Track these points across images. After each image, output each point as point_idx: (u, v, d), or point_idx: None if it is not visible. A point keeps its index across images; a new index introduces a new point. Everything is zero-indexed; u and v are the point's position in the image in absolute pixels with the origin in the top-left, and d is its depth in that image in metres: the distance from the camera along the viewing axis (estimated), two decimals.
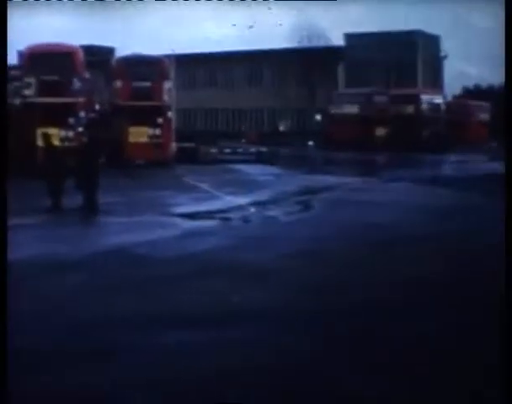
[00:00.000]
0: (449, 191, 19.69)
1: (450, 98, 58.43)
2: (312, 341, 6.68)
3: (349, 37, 62.43)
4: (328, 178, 24.03)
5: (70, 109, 25.86)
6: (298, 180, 23.55)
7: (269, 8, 58.25)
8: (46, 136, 17.57)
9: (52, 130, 21.71)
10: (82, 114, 26.46)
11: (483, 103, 55.68)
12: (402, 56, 58.94)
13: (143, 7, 78.87)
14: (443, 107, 48.31)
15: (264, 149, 36.63)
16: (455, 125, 48.48)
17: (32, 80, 25.97)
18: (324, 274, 9.48)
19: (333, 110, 47.56)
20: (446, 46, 63.60)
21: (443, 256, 10.55)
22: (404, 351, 6.38)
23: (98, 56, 30.33)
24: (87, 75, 27.43)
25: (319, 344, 6.59)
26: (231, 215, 15.22)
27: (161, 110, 29.47)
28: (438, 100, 48.74)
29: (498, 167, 28.91)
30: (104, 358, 6.14)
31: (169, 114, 30.11)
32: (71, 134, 25.28)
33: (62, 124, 25.17)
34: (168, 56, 33.88)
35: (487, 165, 30.85)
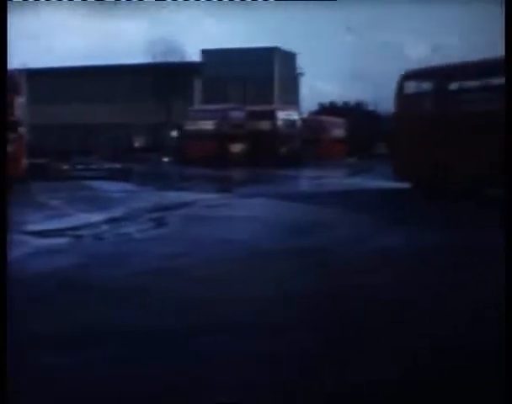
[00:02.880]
0: (305, 206, 19.56)
1: (306, 115, 59.15)
2: (170, 361, 6.21)
3: (205, 53, 62.31)
4: (184, 194, 23.57)
5: None
6: (153, 196, 22.93)
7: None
8: None
9: None
10: None
11: (339, 120, 56.64)
12: (259, 73, 59.30)
13: None
14: (299, 123, 48.70)
15: (118, 165, 35.72)
16: (311, 142, 49.10)
17: None
18: (179, 291, 8.97)
19: (189, 126, 47.19)
20: (302, 63, 64.59)
21: (300, 270, 10.15)
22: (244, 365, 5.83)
23: None
24: None
25: (177, 363, 6.15)
26: (83, 232, 14.46)
27: (12, 126, 28.09)
28: (294, 117, 49.11)
29: (354, 182, 29.48)
30: None
31: (21, 129, 28.79)
32: None
33: None
34: (20, 71, 32.51)
35: (343, 180, 31.26)
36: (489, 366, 5.82)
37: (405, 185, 24.29)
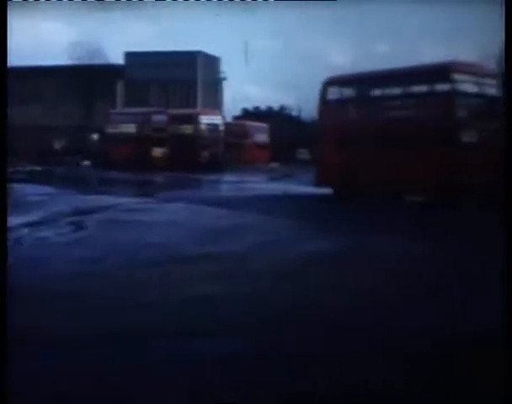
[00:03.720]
0: (226, 211, 19.46)
1: (229, 119, 59.12)
2: (88, 364, 6.09)
3: (128, 55, 61.69)
4: (104, 197, 23.20)
5: None
6: (73, 200, 22.50)
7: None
8: None
9: None
10: None
11: (262, 125, 56.72)
12: (183, 76, 59.01)
13: None
14: (222, 128, 48.58)
15: (38, 168, 35.03)
16: (233, 146, 49.07)
17: None
18: (98, 295, 8.83)
19: (110, 129, 46.61)
20: (226, 68, 64.61)
21: (221, 275, 10.04)
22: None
23: None
24: None
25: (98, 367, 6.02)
26: None
27: None
28: (217, 121, 48.96)
29: (277, 187, 29.50)
30: None
31: None
32: None
33: None
34: None
35: (265, 186, 31.25)
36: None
37: (327, 191, 24.43)
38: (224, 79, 65.34)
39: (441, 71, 22.24)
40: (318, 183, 25.48)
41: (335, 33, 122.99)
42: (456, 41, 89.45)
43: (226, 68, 66.11)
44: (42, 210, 18.86)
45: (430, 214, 19.57)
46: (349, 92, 26.01)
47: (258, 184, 31.90)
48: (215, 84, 64.51)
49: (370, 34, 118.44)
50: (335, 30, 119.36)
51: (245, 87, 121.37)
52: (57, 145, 59.58)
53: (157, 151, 44.00)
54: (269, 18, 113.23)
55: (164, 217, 18.09)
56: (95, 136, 53.68)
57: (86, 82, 57.54)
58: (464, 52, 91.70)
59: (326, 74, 26.51)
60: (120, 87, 61.99)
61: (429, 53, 79.06)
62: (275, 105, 79.79)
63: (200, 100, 60.93)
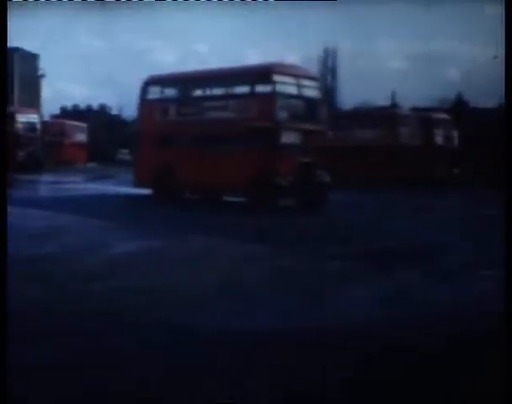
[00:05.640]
0: (42, 212, 18.66)
1: (47, 118, 57.36)
2: None
3: None
4: None
5: None
6: None
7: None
8: None
9: None
10: None
11: (81, 124, 55.42)
12: None
13: None
14: (40, 127, 46.95)
15: None
16: (52, 146, 47.60)
17: None
18: None
19: None
20: (44, 65, 62.69)
21: (34, 277, 9.46)
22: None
23: None
24: None
25: None
26: None
27: None
28: (34, 119, 47.25)
29: (96, 187, 28.78)
30: None
31: None
32: None
33: None
34: None
35: (84, 186, 30.50)
36: None
37: (146, 191, 24.01)
38: (42, 76, 63.38)
39: (262, 73, 22.35)
40: (137, 184, 24.99)
41: (159, 32, 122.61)
42: (276, 44, 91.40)
43: (44, 65, 64.20)
44: None
45: (246, 214, 19.64)
46: (169, 91, 25.69)
47: (76, 185, 31.12)
48: (33, 82, 62.43)
49: (195, 34, 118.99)
50: (159, 30, 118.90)
51: (65, 85, 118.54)
52: None
53: None
54: (91, 17, 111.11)
55: None
56: None
57: None
58: (285, 54, 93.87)
59: (149, 73, 26.12)
60: None
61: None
62: (95, 104, 78.51)
63: (16, 98, 58.74)
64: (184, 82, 24.95)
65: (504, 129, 7.34)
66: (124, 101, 74.94)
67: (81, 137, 54.48)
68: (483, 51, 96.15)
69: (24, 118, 45.92)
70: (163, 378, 5.54)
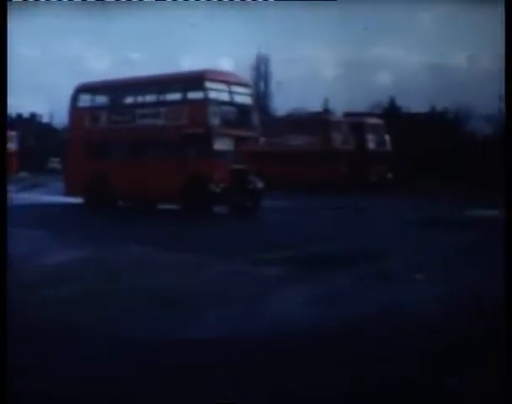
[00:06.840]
0: None
1: None
2: None
3: None
4: None
5: None
6: None
7: None
8: None
9: None
10: None
11: (11, 133, 54.27)
12: None
13: None
14: None
15: None
16: None
17: None
18: None
19: None
20: None
21: None
22: None
23: None
24: None
25: None
26: None
27: None
28: None
29: (26, 197, 28.23)
30: None
31: None
32: None
33: None
34: None
35: (14, 195, 29.90)
36: None
37: (77, 200, 23.68)
38: None
39: (194, 79, 22.30)
40: (68, 193, 24.64)
41: (92, 40, 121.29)
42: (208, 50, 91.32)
43: None
44: None
45: (179, 222, 19.51)
46: (100, 99, 25.42)
47: (7, 194, 30.37)
48: None
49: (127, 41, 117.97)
50: (93, 37, 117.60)
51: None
52: None
53: None
54: (22, 23, 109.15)
55: None
56: None
57: None
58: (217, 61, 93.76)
59: (81, 80, 25.80)
60: None
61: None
62: (25, 112, 77.18)
63: None
64: (116, 89, 24.72)
65: (498, 129, 7.43)
66: (54, 109, 73.79)
67: (10, 145, 53.31)
68: (415, 57, 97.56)
69: None
70: (87, 391, 5.43)
